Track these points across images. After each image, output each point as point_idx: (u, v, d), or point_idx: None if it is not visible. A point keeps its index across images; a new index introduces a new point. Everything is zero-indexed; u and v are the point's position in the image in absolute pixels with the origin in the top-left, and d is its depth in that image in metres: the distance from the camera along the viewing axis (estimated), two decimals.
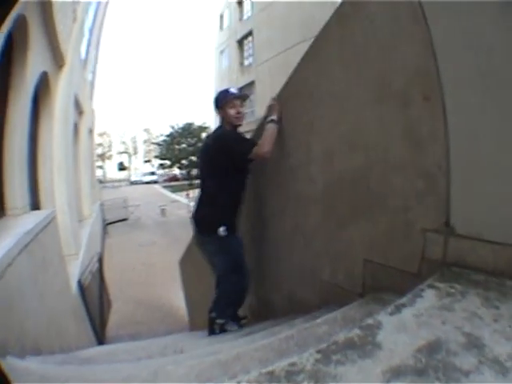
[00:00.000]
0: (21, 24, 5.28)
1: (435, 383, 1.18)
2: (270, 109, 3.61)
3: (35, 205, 7.20)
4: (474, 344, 1.34)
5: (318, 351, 1.43)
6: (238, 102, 3.85)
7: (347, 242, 2.71)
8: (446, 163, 1.89)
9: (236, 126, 3.87)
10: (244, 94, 4.15)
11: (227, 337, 3.62)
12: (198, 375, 1.81)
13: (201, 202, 3.98)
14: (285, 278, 3.80)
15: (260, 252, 4.38)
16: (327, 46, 2.85)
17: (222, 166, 3.69)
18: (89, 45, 17.51)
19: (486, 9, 1.69)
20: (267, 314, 4.11)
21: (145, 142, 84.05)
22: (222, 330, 3.85)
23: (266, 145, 3.44)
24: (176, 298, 10.85)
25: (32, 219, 4.88)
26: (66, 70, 9.05)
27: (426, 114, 1.99)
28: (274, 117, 3.52)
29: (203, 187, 3.99)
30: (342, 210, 2.76)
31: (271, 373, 1.34)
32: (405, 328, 1.48)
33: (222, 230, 3.66)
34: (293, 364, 1.37)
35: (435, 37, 1.89)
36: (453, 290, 1.70)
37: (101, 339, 8.39)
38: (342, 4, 2.63)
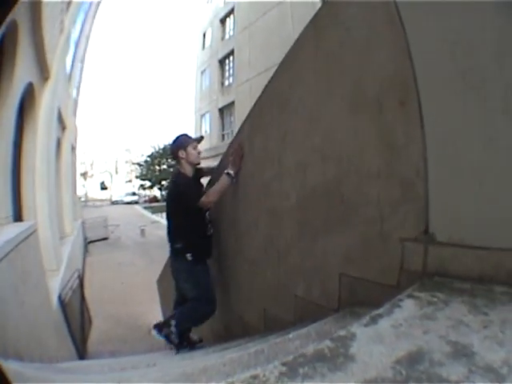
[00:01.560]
0: (12, 29, 5.24)
1: None
2: (231, 162, 4.00)
3: (18, 217, 7.09)
4: (461, 353, 1.24)
5: (284, 363, 1.34)
6: (197, 144, 4.35)
7: (322, 256, 2.65)
8: (424, 168, 1.87)
9: (195, 165, 4.34)
10: (201, 137, 4.66)
11: (200, 352, 3.72)
12: None
13: (171, 241, 4.32)
14: (259, 296, 3.73)
15: (234, 270, 4.37)
16: (301, 56, 2.87)
17: (180, 209, 4.10)
18: (74, 59, 17.45)
19: (463, 9, 1.69)
20: (243, 332, 4.02)
21: (126, 162, 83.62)
22: (166, 336, 4.14)
23: (211, 196, 3.97)
24: (154, 318, 10.69)
25: (13, 229, 4.79)
26: (51, 82, 8.98)
27: (402, 120, 1.98)
28: (231, 171, 3.94)
29: (170, 222, 4.35)
30: (315, 224, 2.72)
31: None
32: (381, 339, 1.38)
33: (189, 256, 4.07)
34: (255, 376, 1.28)
35: (411, 39, 1.91)
36: (435, 299, 1.62)
37: (82, 354, 8.24)
38: (317, 12, 2.65)
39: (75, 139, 21.18)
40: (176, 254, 4.29)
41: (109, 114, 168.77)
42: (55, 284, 7.77)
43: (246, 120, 3.88)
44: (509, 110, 1.58)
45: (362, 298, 2.23)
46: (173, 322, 4.16)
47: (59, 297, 7.48)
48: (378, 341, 1.36)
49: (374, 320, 1.52)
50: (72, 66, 17.11)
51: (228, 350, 2.84)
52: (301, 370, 1.26)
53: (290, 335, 2.05)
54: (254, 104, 3.64)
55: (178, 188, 4.21)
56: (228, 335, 4.41)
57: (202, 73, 36.58)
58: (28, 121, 8.05)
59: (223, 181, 3.99)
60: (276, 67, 3.26)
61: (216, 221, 4.47)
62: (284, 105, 3.07)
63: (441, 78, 1.82)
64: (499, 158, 1.63)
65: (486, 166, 1.67)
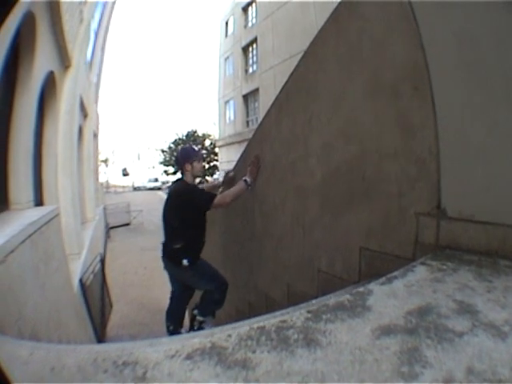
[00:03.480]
0: (29, 20, 5.32)
1: (427, 341, 1.20)
2: (250, 171, 4.37)
3: (40, 203, 7.23)
4: (466, 310, 1.37)
5: (309, 311, 1.48)
6: (202, 159, 4.82)
7: (344, 232, 2.80)
8: (436, 148, 2.01)
9: (195, 178, 4.70)
10: (203, 155, 5.32)
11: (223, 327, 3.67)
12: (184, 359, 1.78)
13: (169, 240, 4.63)
14: (284, 272, 3.88)
15: (260, 250, 4.51)
16: (324, 45, 3.03)
17: (187, 215, 4.34)
18: (94, 47, 17.59)
19: (467, 5, 1.81)
20: (267, 308, 4.21)
21: (149, 148, 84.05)
22: (200, 328, 4.61)
23: (228, 197, 4.25)
24: None
25: (36, 213, 4.90)
26: (72, 70, 9.09)
27: (416, 104, 2.13)
28: (249, 179, 4.30)
29: (169, 229, 4.65)
30: (339, 200, 2.86)
31: (262, 328, 1.38)
32: (395, 295, 1.54)
33: (185, 261, 4.34)
34: (283, 321, 1.41)
35: (423, 32, 2.06)
36: (444, 267, 1.76)
37: (101, 338, 8.38)
38: (338, 6, 2.80)
39: (97, 126, 21.37)
40: (173, 260, 4.53)
41: (131, 101, 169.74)
42: (76, 268, 7.92)
43: (273, 105, 4.02)
44: (510, 97, 1.69)
45: (380, 270, 2.34)
46: (200, 318, 4.67)
47: (80, 280, 7.61)
48: (392, 296, 1.53)
49: (389, 280, 1.70)
50: (92, 54, 17.24)
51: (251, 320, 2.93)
52: (324, 316, 1.43)
53: (313, 301, 2.13)
54: (281, 90, 3.79)
55: (188, 191, 4.40)
56: (252, 313, 4.62)
57: (226, 60, 36.39)
58: (49, 108, 8.19)
59: (240, 186, 4.29)
60: (299, 55, 3.39)
61: (242, 205, 4.77)
62: (309, 90, 3.26)
63: (449, 67, 1.95)
64: (505, 140, 1.72)
65: (493, 146, 1.77)
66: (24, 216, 4.59)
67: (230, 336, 1.35)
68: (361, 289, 1.64)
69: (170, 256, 4.57)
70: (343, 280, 2.79)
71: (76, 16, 9.11)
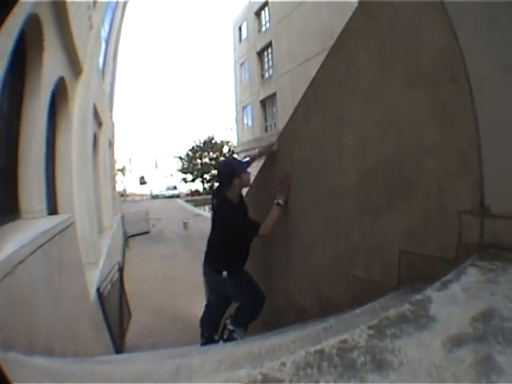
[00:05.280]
0: (34, 23, 5.23)
1: (497, 347, 1.13)
2: (280, 191, 4.22)
3: (54, 212, 7.17)
4: None
5: (370, 327, 1.35)
6: (248, 167, 4.58)
7: (382, 233, 2.60)
8: (477, 141, 1.85)
9: (242, 189, 4.59)
10: (249, 160, 4.78)
11: (255, 337, 3.60)
12: (227, 369, 1.64)
13: (213, 250, 4.65)
14: (315, 278, 3.72)
15: (290, 255, 4.37)
16: (353, 37, 2.92)
17: (233, 238, 4.29)
18: (106, 56, 17.79)
19: None
20: (296, 317, 4.03)
21: (166, 156, 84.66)
22: (230, 337, 4.47)
23: (269, 227, 4.12)
24: (199, 310, 10.59)
25: (49, 222, 4.79)
26: (83, 76, 9.06)
27: (454, 94, 1.96)
28: (281, 201, 4.15)
29: (215, 240, 4.61)
30: (376, 200, 2.67)
31: (321, 352, 1.23)
32: (455, 301, 1.43)
33: (225, 273, 4.31)
34: (344, 341, 1.28)
35: (454, 18, 1.92)
36: (494, 267, 1.65)
37: (119, 348, 8.30)
38: None
39: (112, 135, 21.54)
40: (213, 269, 4.51)
41: (148, 110, 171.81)
42: (94, 277, 7.85)
43: (299, 104, 3.89)
44: None
45: (421, 273, 2.22)
46: (231, 327, 4.52)
47: (97, 290, 7.54)
48: (453, 302, 1.43)
49: (445, 285, 1.58)
50: (104, 63, 17.43)
51: (288, 332, 2.83)
52: (388, 331, 1.31)
53: (357, 311, 2.08)
54: (308, 87, 3.66)
55: (232, 219, 4.27)
56: (280, 322, 4.46)
57: (241, 65, 36.94)
58: (62, 115, 8.14)
59: (275, 211, 4.17)
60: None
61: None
62: (340, 85, 3.12)
63: (483, 55, 1.84)
64: None
65: None
66: (36, 225, 4.48)
67: (284, 365, 1.18)
68: (419, 296, 1.52)
69: (212, 264, 4.57)
70: (381, 286, 2.59)
71: (85, 22, 9.07)
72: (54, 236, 4.35)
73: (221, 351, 2.55)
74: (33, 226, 4.35)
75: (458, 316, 1.32)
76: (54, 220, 5.12)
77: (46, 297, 3.69)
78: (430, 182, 2.14)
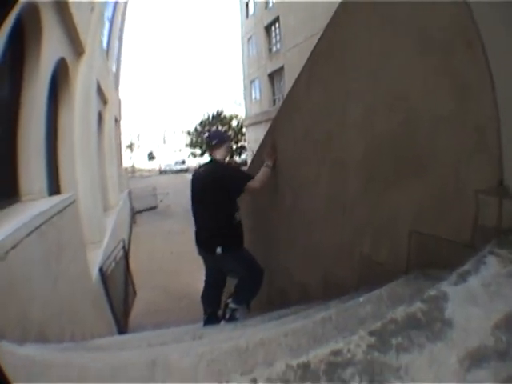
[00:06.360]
0: (31, 9, 5.18)
1: None
2: (266, 154, 4.53)
3: (56, 192, 7.16)
4: None
5: (372, 333, 1.15)
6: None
7: (391, 212, 2.47)
8: (496, 114, 1.70)
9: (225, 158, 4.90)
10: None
11: (254, 320, 3.50)
12: (206, 366, 1.51)
13: (202, 226, 4.74)
14: (319, 257, 3.58)
15: (291, 233, 4.28)
16: (362, 3, 2.72)
17: (223, 194, 4.39)
18: (110, 36, 17.72)
19: None
20: (300, 297, 3.96)
21: (174, 132, 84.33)
22: (232, 316, 4.47)
23: (258, 182, 4.35)
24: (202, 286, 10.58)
25: (47, 203, 4.75)
26: (86, 56, 8.94)
27: (470, 62, 1.82)
28: (270, 163, 4.44)
29: (202, 214, 4.71)
30: (384, 175, 2.53)
31: (305, 366, 1.03)
32: (475, 300, 1.26)
33: (219, 250, 4.32)
34: (337, 352, 1.07)
35: None
36: None
37: (122, 328, 8.30)
38: None
39: (119, 112, 21.42)
40: (207, 247, 4.57)
41: (156, 85, 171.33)
42: (97, 256, 7.84)
43: (302, 70, 3.71)
44: None
45: (432, 257, 2.10)
46: (232, 306, 4.53)
47: (100, 269, 7.52)
48: (472, 302, 1.26)
49: (462, 278, 1.41)
50: (108, 42, 17.44)
51: (287, 318, 2.66)
52: (393, 340, 1.12)
53: (361, 299, 1.89)
54: (312, 52, 3.49)
55: (222, 174, 4.48)
56: (284, 301, 4.37)
57: (249, 40, 36.63)
58: (64, 95, 8.05)
59: (264, 170, 4.43)
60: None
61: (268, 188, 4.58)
62: (347, 50, 2.94)
63: (498, 22, 1.75)
64: None
65: None
66: (34, 207, 4.44)
67: (254, 381, 1.01)
68: (433, 292, 1.35)
69: (204, 244, 4.66)
70: (388, 268, 2.48)
71: (86, 3, 8.93)
72: (52, 217, 4.31)
73: (206, 342, 2.49)
74: (30, 209, 4.31)
75: (479, 321, 1.15)
76: (53, 201, 5.08)
77: (42, 281, 3.67)
78: (443, 157, 2.01)
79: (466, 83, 1.85)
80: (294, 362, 1.06)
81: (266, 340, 1.63)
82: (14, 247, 3.02)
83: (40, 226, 3.79)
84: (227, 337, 2.46)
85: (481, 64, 1.73)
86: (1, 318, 2.57)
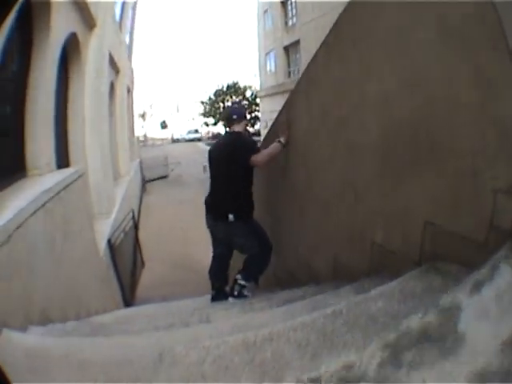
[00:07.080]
0: None
1: None
2: (280, 131, 4.49)
3: (66, 164, 7.17)
4: None
5: (385, 346, 1.13)
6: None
7: (406, 200, 2.40)
8: None
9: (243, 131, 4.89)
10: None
11: (261, 305, 3.47)
12: (213, 362, 1.53)
13: (215, 194, 4.77)
14: (330, 241, 3.54)
15: (302, 214, 4.23)
16: None
17: (234, 166, 4.40)
18: (123, 6, 17.60)
19: None
20: (309, 279, 3.93)
21: (188, 100, 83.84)
22: (240, 293, 4.46)
23: (262, 157, 4.36)
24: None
25: (54, 178, 4.77)
26: (97, 29, 8.87)
27: (495, 57, 1.69)
28: (282, 139, 4.37)
29: (217, 180, 4.77)
30: (400, 162, 2.45)
31: (316, 381, 1.04)
32: (487, 314, 1.23)
33: (231, 217, 4.34)
34: (349, 366, 1.06)
35: None
36: None
37: (129, 301, 8.37)
38: None
39: (131, 82, 21.36)
40: (218, 214, 4.58)
41: (171, 54, 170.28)
42: (105, 228, 7.92)
43: (321, 47, 3.56)
44: None
45: (445, 252, 2.05)
46: (242, 282, 4.49)
47: (109, 241, 7.60)
48: (484, 316, 1.22)
49: (477, 287, 1.35)
50: (121, 14, 17.36)
51: (295, 304, 2.66)
52: (407, 355, 1.11)
53: (372, 293, 1.88)
54: (331, 29, 3.33)
55: (239, 143, 4.53)
56: (292, 281, 4.41)
57: (265, 13, 35.94)
58: (74, 68, 8.02)
59: (275, 147, 4.40)
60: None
61: (281, 165, 4.63)
62: (367, 30, 2.81)
63: None
64: None
65: None
66: (40, 183, 4.44)
67: None
68: (448, 301, 1.32)
69: (216, 212, 4.65)
70: (401, 257, 2.44)
71: None
72: (59, 192, 4.34)
73: (212, 331, 2.46)
74: (36, 185, 4.31)
75: (488, 337, 1.13)
76: (60, 175, 5.11)
77: (47, 257, 3.71)
78: (461, 150, 1.92)
79: (488, 77, 1.76)
80: (305, 377, 1.07)
81: (275, 335, 1.62)
82: (18, 227, 3.01)
83: (45, 203, 3.80)
84: (234, 325, 2.43)
85: (505, 60, 1.62)
86: (4, 303, 2.60)
